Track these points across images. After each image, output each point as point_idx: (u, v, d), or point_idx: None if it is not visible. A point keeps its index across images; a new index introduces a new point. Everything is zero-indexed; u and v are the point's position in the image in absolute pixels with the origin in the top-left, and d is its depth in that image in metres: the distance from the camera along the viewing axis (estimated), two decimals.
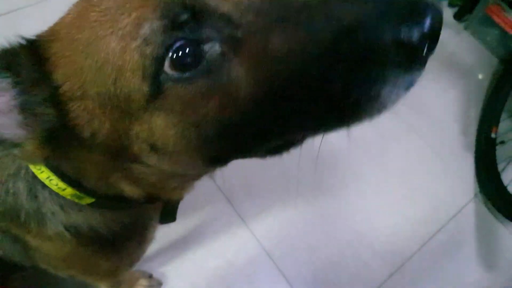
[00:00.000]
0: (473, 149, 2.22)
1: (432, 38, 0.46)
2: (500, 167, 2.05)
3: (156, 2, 0.46)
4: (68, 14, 0.53)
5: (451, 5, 2.76)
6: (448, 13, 2.79)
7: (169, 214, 0.92)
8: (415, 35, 0.45)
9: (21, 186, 0.70)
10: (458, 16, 2.70)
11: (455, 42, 2.71)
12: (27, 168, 0.69)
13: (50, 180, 0.64)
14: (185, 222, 1.71)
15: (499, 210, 1.97)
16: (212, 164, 0.62)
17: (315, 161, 2.04)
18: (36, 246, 0.78)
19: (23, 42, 0.51)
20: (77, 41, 0.49)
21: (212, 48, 0.48)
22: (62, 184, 0.65)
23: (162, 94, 0.48)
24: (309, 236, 1.80)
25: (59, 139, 0.53)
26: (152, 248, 1.62)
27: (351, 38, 0.46)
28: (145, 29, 0.46)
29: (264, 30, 0.47)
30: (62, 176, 0.65)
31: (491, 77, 2.56)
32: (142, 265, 1.55)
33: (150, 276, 1.53)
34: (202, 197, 1.80)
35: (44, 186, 0.68)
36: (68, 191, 0.66)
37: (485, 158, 2.11)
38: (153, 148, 0.53)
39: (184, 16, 0.46)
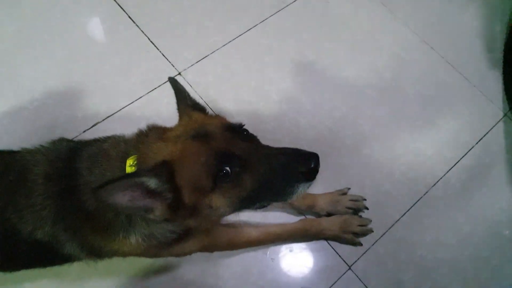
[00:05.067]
0: (501, 65, 2.01)
1: (314, 170, 1.00)
2: None
3: (217, 155, 0.99)
4: (178, 145, 1.02)
5: None
6: None
7: None
8: (307, 168, 0.99)
9: None
10: None
11: None
12: None
13: None
14: None
15: None
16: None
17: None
18: (113, 249, 1.19)
19: (161, 164, 0.98)
20: (184, 165, 0.99)
21: (234, 169, 0.99)
22: None
23: (216, 188, 1.00)
24: (328, 164, 1.67)
25: (172, 207, 1.01)
26: None
27: (282, 168, 1.01)
28: (210, 162, 0.98)
29: (256, 164, 1.01)
30: None
31: None
32: None
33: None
34: None
35: None
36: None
37: None
38: (210, 207, 1.03)
39: (231, 161, 0.99)
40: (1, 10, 1.87)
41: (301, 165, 0.99)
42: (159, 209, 0.99)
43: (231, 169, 0.99)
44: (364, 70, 1.93)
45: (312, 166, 0.99)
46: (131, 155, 1.06)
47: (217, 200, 1.01)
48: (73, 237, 1.17)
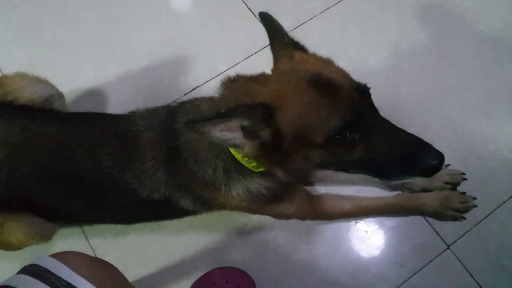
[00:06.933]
0: None
1: (435, 169, 0.91)
2: None
3: (342, 119, 0.89)
4: (287, 87, 0.94)
5: None
6: None
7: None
8: (430, 165, 0.90)
9: (220, 163, 1.13)
10: None
11: None
12: (225, 153, 1.11)
13: (247, 160, 1.09)
14: None
15: None
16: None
17: None
18: (221, 202, 1.24)
19: (260, 105, 0.91)
20: (293, 111, 0.91)
21: (353, 136, 0.91)
22: (252, 162, 1.09)
23: (325, 146, 0.92)
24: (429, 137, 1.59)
25: (264, 147, 0.96)
26: None
27: (403, 156, 0.92)
28: (332, 123, 0.89)
29: (377, 138, 0.92)
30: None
31: None
32: None
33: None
34: None
35: (234, 164, 1.12)
36: (252, 165, 1.10)
37: None
38: (305, 159, 0.97)
39: (353, 127, 0.90)
40: None
41: (423, 160, 0.90)
42: (248, 146, 0.95)
43: (350, 134, 0.90)
44: (474, 40, 1.78)
45: (434, 164, 0.89)
46: (222, 106, 1.03)
47: (318, 156, 0.95)
48: (186, 193, 1.24)
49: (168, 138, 1.18)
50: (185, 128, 1.07)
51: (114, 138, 1.24)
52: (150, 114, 1.28)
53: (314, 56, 1.06)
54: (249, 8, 1.89)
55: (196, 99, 1.24)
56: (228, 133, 0.91)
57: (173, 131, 1.17)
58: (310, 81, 0.92)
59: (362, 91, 0.96)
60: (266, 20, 1.10)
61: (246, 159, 1.08)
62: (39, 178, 1.25)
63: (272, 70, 1.07)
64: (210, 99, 1.17)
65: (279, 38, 1.08)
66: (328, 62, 1.04)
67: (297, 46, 1.09)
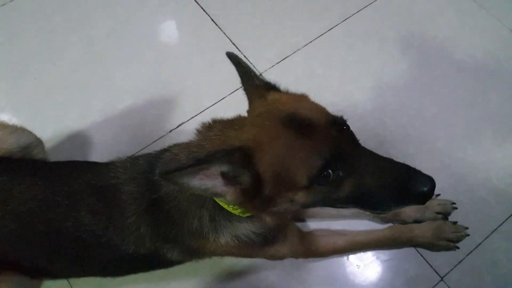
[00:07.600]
0: None
1: (428, 195, 0.90)
2: None
3: (322, 157, 0.87)
4: (263, 130, 0.91)
5: None
6: None
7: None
8: (421, 191, 0.89)
9: (205, 212, 1.09)
10: None
11: None
12: (209, 201, 1.08)
13: (233, 207, 1.05)
14: None
15: None
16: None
17: None
18: (210, 250, 1.19)
19: (238, 149, 0.88)
20: (271, 154, 0.88)
21: (337, 173, 0.89)
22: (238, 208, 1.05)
23: (309, 187, 0.89)
24: (416, 167, 1.58)
25: (247, 193, 0.92)
26: None
27: (394, 187, 0.91)
28: (312, 163, 0.87)
29: (364, 172, 0.90)
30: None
31: None
32: None
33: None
34: None
35: (220, 212, 1.09)
36: (238, 211, 1.06)
37: None
38: (291, 201, 0.94)
39: (335, 164, 0.89)
40: (95, 15, 1.99)
41: (414, 187, 0.88)
42: (230, 194, 0.90)
43: (333, 172, 0.88)
44: (455, 69, 1.82)
45: (426, 190, 0.88)
46: (202, 153, 0.99)
47: (303, 197, 0.92)
48: (173, 246, 1.20)
49: (149, 191, 1.13)
50: (161, 179, 1.00)
51: (94, 195, 1.19)
52: (130, 164, 1.22)
53: (287, 94, 1.04)
54: (233, 43, 1.91)
55: (174, 146, 1.17)
56: (208, 181, 0.86)
57: (153, 183, 1.12)
58: (284, 122, 0.90)
59: (339, 125, 0.93)
60: (234, 60, 1.08)
61: (231, 205, 1.05)
62: (21, 238, 1.21)
63: (248, 112, 1.05)
64: (188, 146, 1.10)
65: (249, 80, 1.06)
66: (302, 98, 1.02)
67: (269, 87, 1.06)
